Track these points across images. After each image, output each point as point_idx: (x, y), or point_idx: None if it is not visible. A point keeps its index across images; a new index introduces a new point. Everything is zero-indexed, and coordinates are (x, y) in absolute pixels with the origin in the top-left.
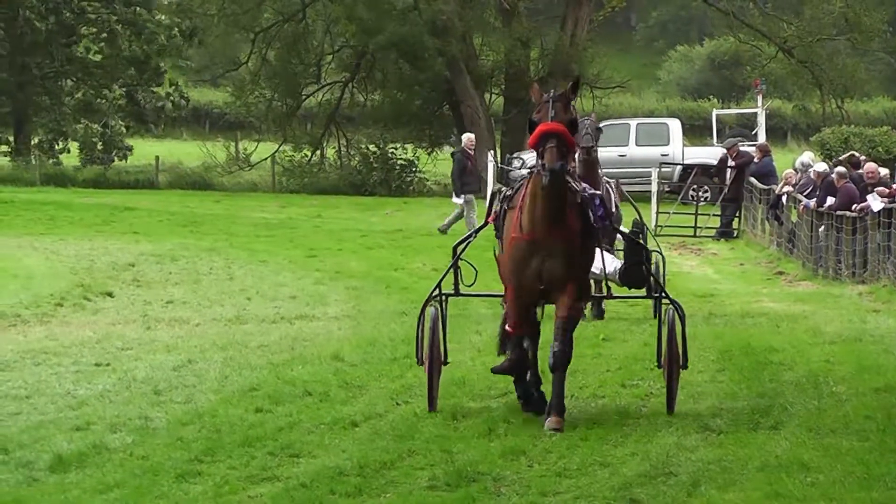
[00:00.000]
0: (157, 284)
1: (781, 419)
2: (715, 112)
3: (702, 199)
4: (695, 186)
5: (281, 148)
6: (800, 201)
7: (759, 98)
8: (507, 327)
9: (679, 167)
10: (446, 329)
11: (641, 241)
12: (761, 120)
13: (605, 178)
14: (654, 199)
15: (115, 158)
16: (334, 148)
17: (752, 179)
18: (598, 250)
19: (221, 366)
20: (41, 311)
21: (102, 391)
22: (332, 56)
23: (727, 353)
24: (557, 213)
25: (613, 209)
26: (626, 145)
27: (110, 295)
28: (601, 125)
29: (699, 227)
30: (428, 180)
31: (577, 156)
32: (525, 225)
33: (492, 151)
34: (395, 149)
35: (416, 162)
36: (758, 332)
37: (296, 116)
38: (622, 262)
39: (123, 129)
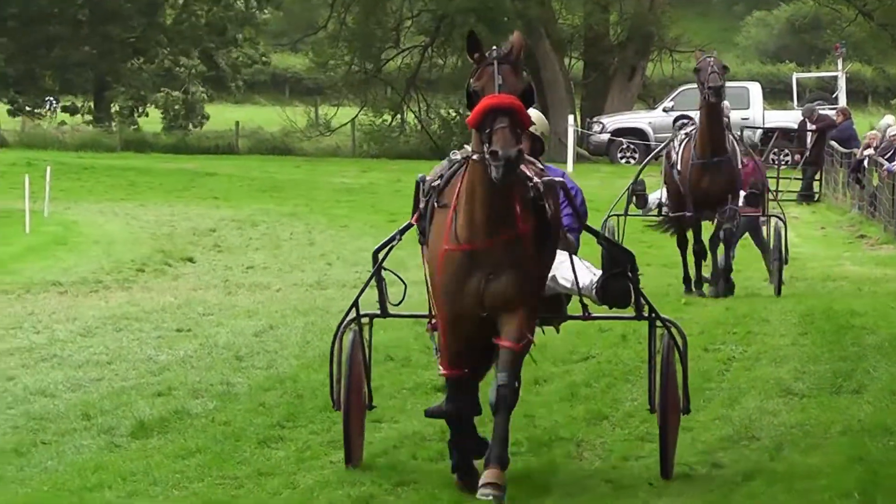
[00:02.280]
0: (237, 250)
1: (864, 383)
2: (795, 76)
3: (782, 162)
4: (775, 150)
5: (361, 112)
6: (881, 164)
7: (840, 61)
8: (440, 369)
9: (759, 131)
10: (370, 361)
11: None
12: (842, 83)
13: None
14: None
15: (191, 126)
16: (414, 112)
17: (833, 143)
18: (567, 257)
19: (303, 331)
20: (122, 277)
21: (184, 357)
22: (410, 20)
23: (809, 316)
24: (505, 215)
25: (579, 203)
26: None
27: (191, 260)
28: (681, 90)
29: (780, 191)
30: None
31: (701, 99)
32: (461, 232)
33: (572, 116)
34: None
35: None
36: (839, 296)
37: (375, 81)
38: (600, 272)
39: (204, 96)
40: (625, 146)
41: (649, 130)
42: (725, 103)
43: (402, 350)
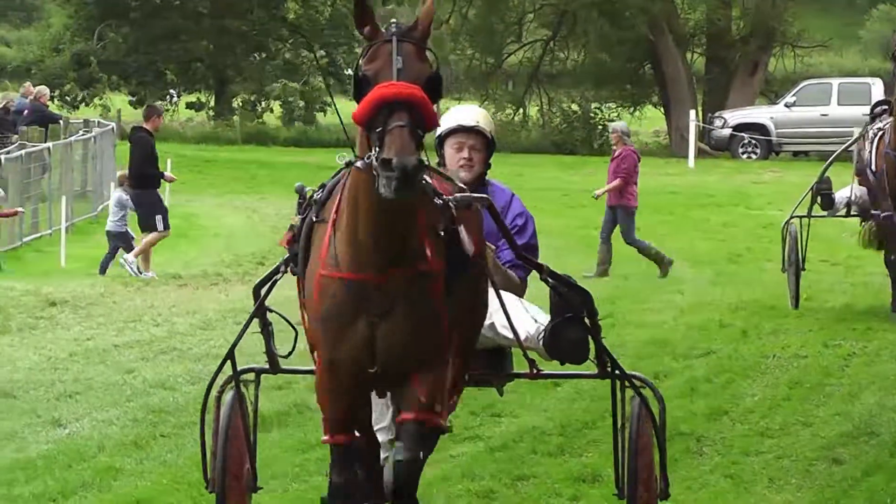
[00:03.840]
0: None
1: None
2: None
3: None
4: None
5: (482, 106)
6: None
7: None
8: (323, 434)
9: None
10: (256, 429)
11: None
12: None
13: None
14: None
15: (315, 115)
16: (536, 106)
17: None
18: (508, 299)
19: None
20: (242, 270)
21: (304, 350)
22: (532, 14)
23: None
24: (403, 243)
25: (530, 234)
26: (828, 105)
27: None
28: (804, 85)
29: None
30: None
31: (872, 113)
32: (343, 256)
33: (693, 111)
34: (599, 108)
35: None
36: None
37: (497, 75)
38: (549, 318)
39: (323, 86)
40: (746, 141)
41: (771, 126)
42: None
43: None
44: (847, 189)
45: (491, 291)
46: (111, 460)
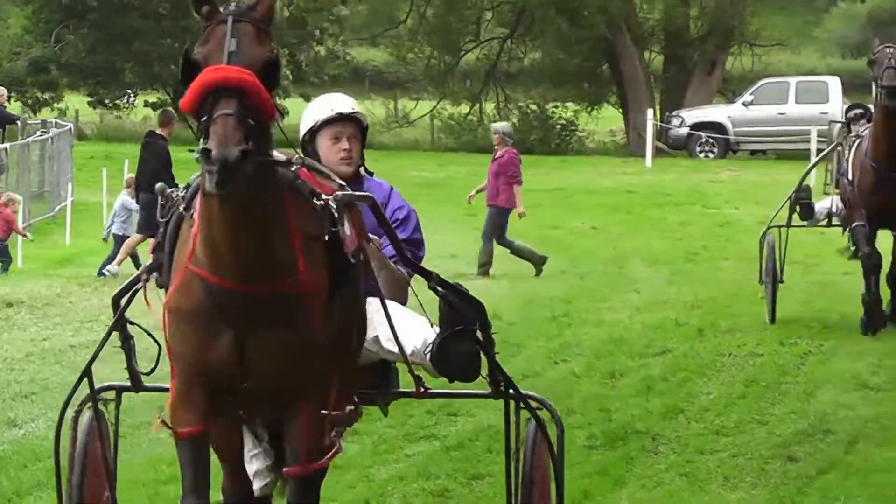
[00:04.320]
0: None
1: None
2: None
3: None
4: None
5: (439, 105)
6: None
7: None
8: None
9: (838, 125)
10: (117, 452)
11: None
12: None
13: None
14: (812, 158)
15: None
16: (493, 105)
17: None
18: (394, 308)
19: None
20: None
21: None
22: (491, 12)
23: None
24: (265, 249)
25: (412, 229)
26: (786, 103)
27: None
28: (761, 83)
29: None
30: (587, 139)
31: (875, 99)
32: (202, 257)
33: (651, 110)
34: (556, 107)
35: (577, 120)
36: None
37: (454, 73)
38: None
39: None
40: (703, 140)
41: (728, 124)
42: None
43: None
44: (828, 199)
45: (376, 301)
46: (66, 460)
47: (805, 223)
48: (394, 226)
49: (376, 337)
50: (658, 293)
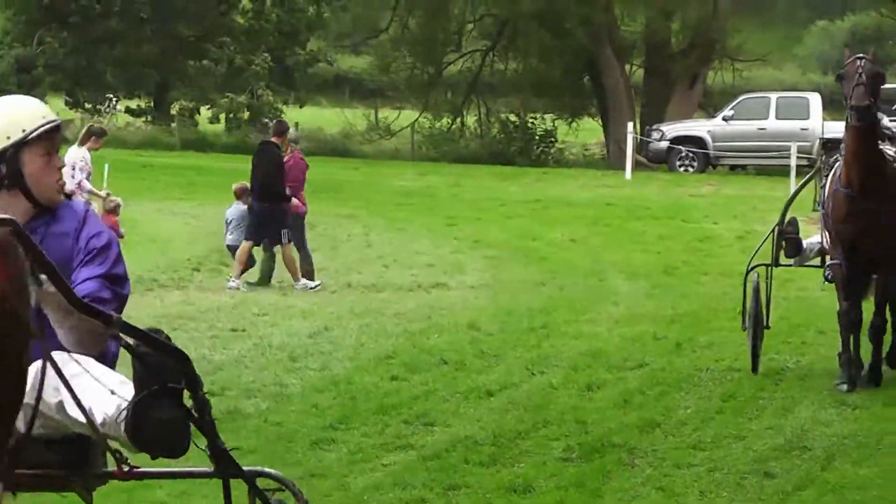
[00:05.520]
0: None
1: None
2: None
3: None
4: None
5: (421, 116)
6: None
7: None
8: None
9: (818, 141)
10: None
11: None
12: None
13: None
14: (793, 174)
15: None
16: (475, 116)
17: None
18: (76, 367)
19: (357, 333)
20: (178, 276)
21: (238, 357)
22: (473, 24)
23: (865, 326)
24: None
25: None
26: (766, 119)
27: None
28: (742, 98)
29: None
30: (567, 151)
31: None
32: None
33: (631, 123)
34: (535, 119)
35: (556, 132)
36: None
37: (436, 84)
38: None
39: (270, 98)
40: (683, 154)
41: (708, 139)
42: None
43: (457, 354)
44: (818, 234)
45: (63, 356)
46: None
47: (792, 262)
48: (89, 257)
49: (60, 402)
50: (637, 306)
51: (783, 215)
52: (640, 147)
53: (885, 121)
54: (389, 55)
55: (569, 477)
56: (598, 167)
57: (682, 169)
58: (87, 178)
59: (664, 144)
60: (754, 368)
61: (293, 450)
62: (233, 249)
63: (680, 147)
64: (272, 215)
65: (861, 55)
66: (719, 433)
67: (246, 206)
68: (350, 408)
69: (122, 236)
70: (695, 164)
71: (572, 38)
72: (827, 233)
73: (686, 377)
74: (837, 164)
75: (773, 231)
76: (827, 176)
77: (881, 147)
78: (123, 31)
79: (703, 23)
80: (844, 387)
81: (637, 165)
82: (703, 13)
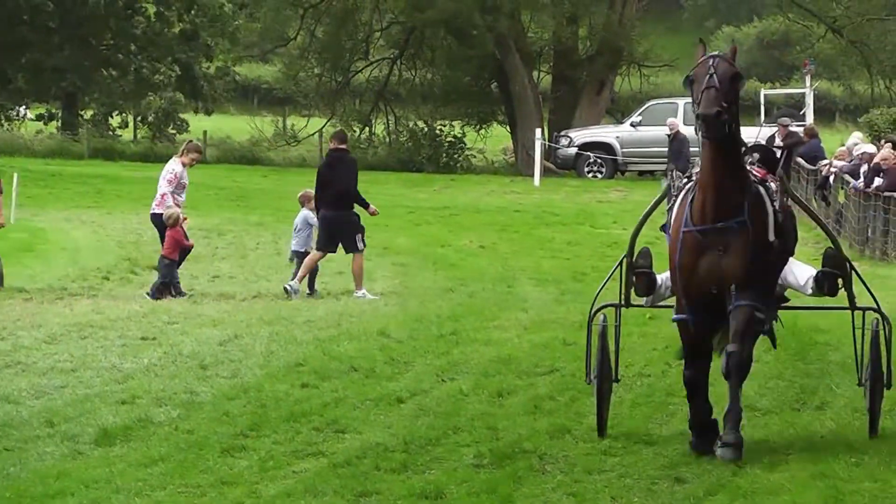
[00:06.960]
0: (204, 259)
1: (827, 399)
2: (763, 92)
3: None
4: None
5: (329, 124)
6: (847, 182)
7: (808, 78)
8: None
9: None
10: None
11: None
12: (809, 101)
13: None
14: None
15: (174, 132)
16: (383, 124)
17: (800, 160)
18: None
19: (267, 341)
20: (88, 285)
21: (148, 365)
22: (380, 32)
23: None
24: None
25: None
26: None
27: (157, 269)
28: (649, 104)
29: None
30: (475, 157)
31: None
32: None
33: (539, 129)
34: (444, 126)
35: (464, 139)
36: (804, 313)
37: (344, 93)
38: None
39: (181, 103)
40: (592, 160)
41: (617, 145)
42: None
43: (367, 361)
44: None
45: None
46: None
47: (643, 301)
48: None
49: None
50: (546, 312)
51: (631, 246)
52: (549, 153)
53: (792, 126)
54: (297, 63)
55: (480, 483)
56: (506, 174)
57: (590, 175)
58: (179, 193)
59: (572, 151)
60: (601, 432)
61: (204, 457)
62: (297, 254)
63: (588, 153)
64: (349, 222)
65: (715, 53)
66: (630, 439)
67: (311, 213)
68: (261, 415)
69: (190, 247)
70: (603, 169)
71: (479, 45)
72: (671, 271)
73: None
74: (689, 185)
75: (619, 264)
76: (676, 197)
77: (745, 166)
78: (33, 39)
79: (610, 29)
80: (728, 451)
81: (545, 172)
82: (610, 19)
